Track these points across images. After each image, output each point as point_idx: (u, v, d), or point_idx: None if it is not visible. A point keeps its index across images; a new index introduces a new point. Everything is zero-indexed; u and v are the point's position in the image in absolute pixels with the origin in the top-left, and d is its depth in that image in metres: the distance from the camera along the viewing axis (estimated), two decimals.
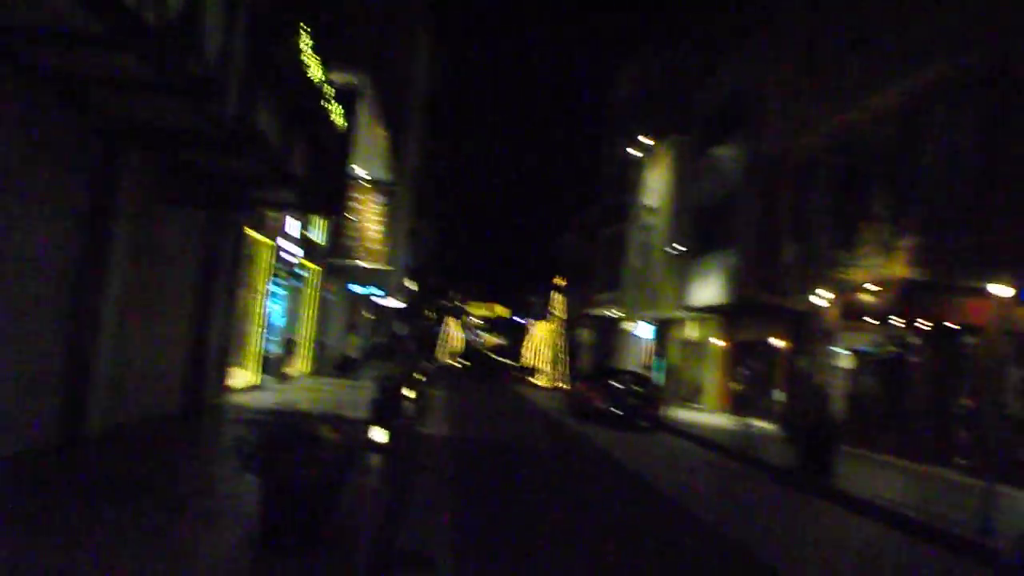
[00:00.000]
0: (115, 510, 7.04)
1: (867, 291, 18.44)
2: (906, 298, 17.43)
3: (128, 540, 6.24)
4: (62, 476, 8.22)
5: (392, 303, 43.07)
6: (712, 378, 30.34)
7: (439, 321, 72.57)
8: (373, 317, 47.99)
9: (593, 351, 48.58)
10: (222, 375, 15.95)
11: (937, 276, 16.80)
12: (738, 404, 28.73)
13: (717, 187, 26.96)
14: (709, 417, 26.94)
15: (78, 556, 5.74)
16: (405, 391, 16.39)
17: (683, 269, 29.54)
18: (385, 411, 11.81)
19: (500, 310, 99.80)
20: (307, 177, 13.59)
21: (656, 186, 32.79)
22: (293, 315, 24.08)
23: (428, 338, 64.76)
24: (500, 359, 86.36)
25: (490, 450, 14.66)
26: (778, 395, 24.74)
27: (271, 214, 19.57)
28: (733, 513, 11.21)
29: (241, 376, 19.14)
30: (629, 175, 38.71)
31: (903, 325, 18.75)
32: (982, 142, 15.46)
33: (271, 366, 21.95)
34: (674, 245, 29.57)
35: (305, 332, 26.46)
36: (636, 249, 35.27)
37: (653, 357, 37.95)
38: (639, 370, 32.53)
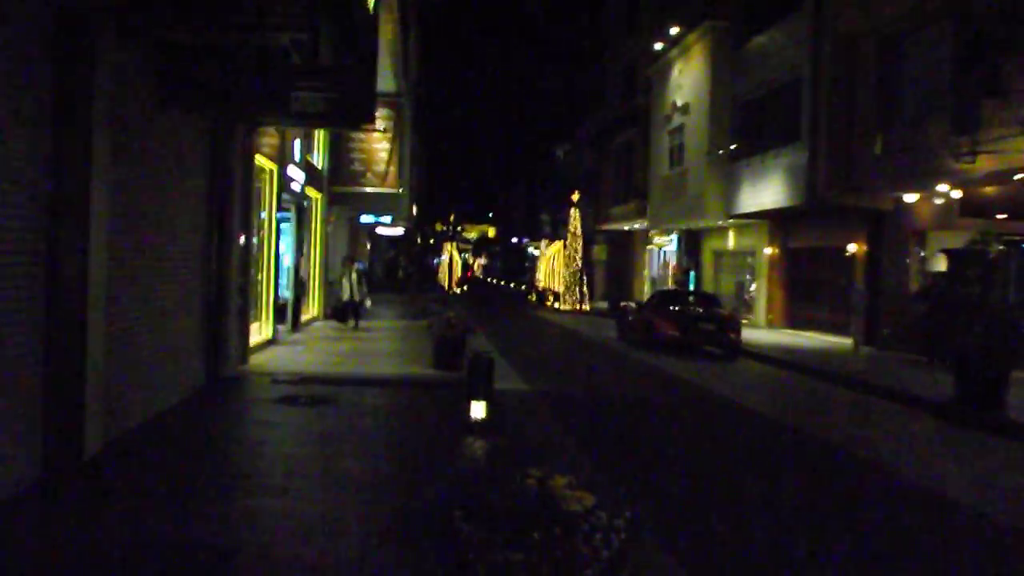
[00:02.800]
0: None
1: (999, 180, 15.41)
2: None
3: None
4: (35, 541, 5.10)
5: (393, 231, 39.71)
6: (762, 290, 27.42)
7: (438, 247, 69.12)
8: (368, 247, 44.71)
9: (607, 269, 45.60)
10: (245, 335, 12.81)
11: None
12: (797, 318, 25.97)
13: (771, 76, 23.58)
14: (769, 334, 24.12)
15: None
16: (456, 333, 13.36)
17: (727, 172, 26.33)
18: (475, 374, 8.71)
19: (491, 231, 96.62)
20: (337, 74, 10.26)
21: (686, 82, 29.29)
22: (299, 252, 20.82)
23: (427, 266, 61.53)
24: (494, 281, 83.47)
25: (593, 407, 11.65)
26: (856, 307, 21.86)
27: (271, 134, 16.17)
28: (920, 462, 8.45)
29: (254, 330, 16.04)
30: (645, 73, 35.09)
31: None
32: None
33: (283, 314, 18.86)
34: (727, 147, 26.22)
35: (313, 270, 23.24)
36: (663, 155, 31.91)
37: (679, 271, 35.03)
38: (691, 289, 29.57)
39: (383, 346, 17.41)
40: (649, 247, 42.11)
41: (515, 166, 78.05)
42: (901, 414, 12.34)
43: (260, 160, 15.26)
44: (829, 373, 15.92)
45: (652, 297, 22.30)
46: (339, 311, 20.97)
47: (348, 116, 11.35)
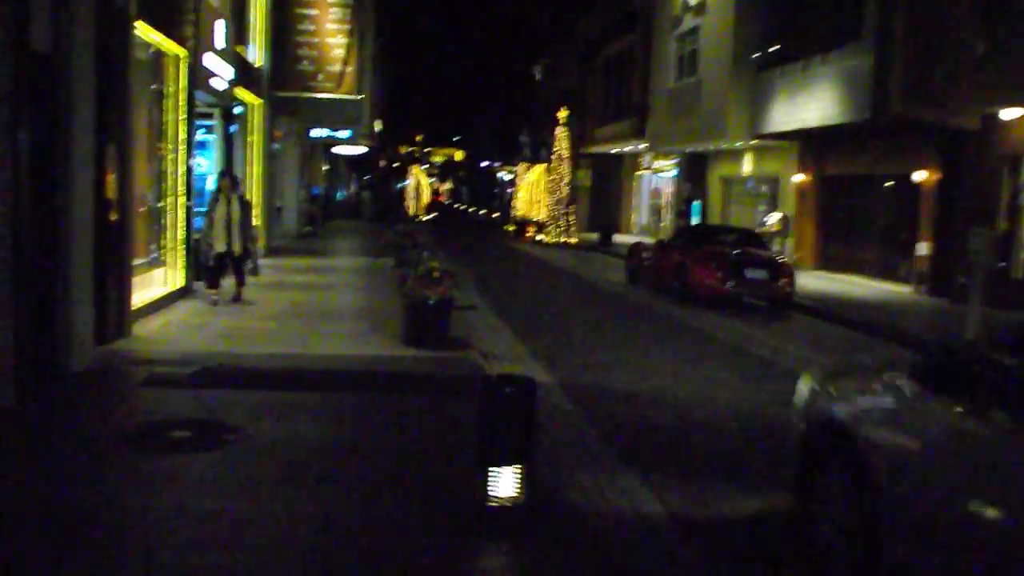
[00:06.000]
0: None
1: None
2: None
3: None
4: None
5: (353, 151, 34.80)
6: (791, 226, 23.18)
7: (402, 170, 63.99)
8: (325, 170, 39.78)
9: (592, 197, 41.20)
10: (120, 294, 8.38)
11: None
12: (832, 259, 21.89)
13: None
14: (804, 278, 19.98)
15: None
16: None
17: (755, 83, 21.92)
18: (498, 418, 4.40)
19: (459, 155, 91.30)
20: None
21: None
22: (229, 175, 16.20)
23: (390, 194, 56.62)
24: (462, 208, 78.80)
25: (677, 428, 7.34)
26: (922, 249, 17.86)
27: (178, 5, 11.51)
28: None
29: (157, 280, 11.60)
30: None
31: None
32: None
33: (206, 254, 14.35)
34: (765, 50, 21.57)
35: (252, 196, 18.61)
36: (669, 64, 27.32)
37: (681, 201, 30.78)
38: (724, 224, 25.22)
39: (336, 300, 13.02)
40: (639, 173, 37.77)
41: (487, 85, 72.54)
42: None
43: (154, 37, 10.62)
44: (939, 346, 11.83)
45: (678, 234, 18.01)
46: (209, 269, 11.70)
47: None
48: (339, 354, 8.66)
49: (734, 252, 15.09)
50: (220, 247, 11.34)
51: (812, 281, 19.50)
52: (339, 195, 44.38)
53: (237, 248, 11.40)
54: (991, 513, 2.97)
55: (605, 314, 14.17)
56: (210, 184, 15.21)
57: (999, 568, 2.90)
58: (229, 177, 11.78)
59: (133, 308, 9.60)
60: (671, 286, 15.68)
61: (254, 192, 18.45)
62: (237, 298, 11.70)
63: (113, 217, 8.28)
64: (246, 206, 11.73)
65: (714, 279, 14.45)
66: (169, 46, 11.31)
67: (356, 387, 7.31)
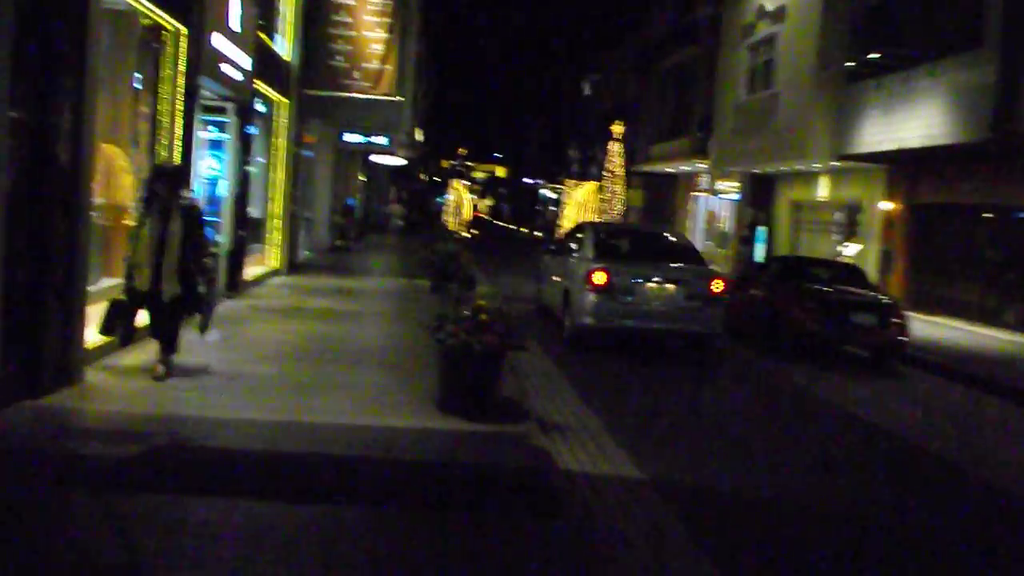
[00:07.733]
0: None
1: None
2: None
3: None
4: None
5: (392, 161, 32.64)
6: (872, 259, 20.58)
7: (443, 185, 61.96)
8: (364, 180, 37.71)
9: (642, 220, 38.74)
10: (50, 335, 6.23)
11: None
12: (925, 298, 19.24)
13: None
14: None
15: None
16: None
17: (843, 97, 19.44)
18: None
19: (501, 171, 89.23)
20: None
21: None
22: (248, 177, 14.10)
23: (429, 208, 54.59)
24: (503, 225, 76.64)
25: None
26: None
27: None
28: None
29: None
30: None
31: None
32: None
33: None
34: (859, 57, 18.95)
35: (273, 205, 16.51)
36: (738, 77, 24.91)
37: (743, 227, 28.21)
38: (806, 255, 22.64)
39: (357, 334, 10.76)
40: (695, 194, 35.25)
41: (533, 99, 70.46)
42: None
43: (147, 6, 8.48)
44: None
45: (765, 266, 15.57)
46: (126, 315, 7.14)
47: None
48: (349, 424, 6.36)
49: (834, 292, 12.59)
50: (142, 283, 6.99)
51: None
52: (378, 208, 42.32)
53: (169, 287, 7.04)
54: (550, 280, 13.90)
55: (681, 364, 11.77)
56: (222, 191, 13.10)
57: (557, 294, 13.02)
58: (163, 177, 7.24)
59: (92, 345, 7.44)
60: (753, 330, 13.25)
61: (277, 203, 16.33)
62: (164, 369, 7.19)
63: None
64: (193, 221, 7.27)
65: (814, 322, 11.95)
66: (165, 17, 9.18)
67: (366, 493, 4.98)
